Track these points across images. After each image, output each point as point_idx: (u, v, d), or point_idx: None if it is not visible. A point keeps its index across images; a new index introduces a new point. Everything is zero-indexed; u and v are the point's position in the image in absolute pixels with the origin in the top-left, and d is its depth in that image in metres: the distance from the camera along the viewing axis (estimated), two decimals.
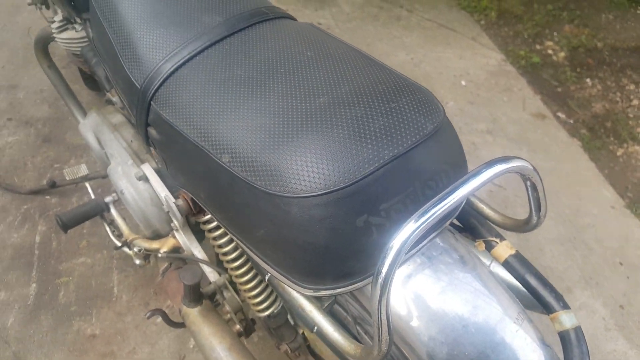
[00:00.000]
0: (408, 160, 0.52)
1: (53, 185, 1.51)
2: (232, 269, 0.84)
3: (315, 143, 0.52)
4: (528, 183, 0.52)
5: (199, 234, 1.06)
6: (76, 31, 1.17)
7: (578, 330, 0.57)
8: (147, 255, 1.18)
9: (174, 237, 1.11)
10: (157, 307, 1.34)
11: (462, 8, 3.24)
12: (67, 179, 1.23)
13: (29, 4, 1.77)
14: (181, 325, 1.12)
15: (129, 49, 0.73)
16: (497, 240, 0.64)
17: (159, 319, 1.29)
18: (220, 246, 0.82)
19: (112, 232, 1.23)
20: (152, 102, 0.69)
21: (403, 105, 0.55)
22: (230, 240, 0.82)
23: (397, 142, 0.52)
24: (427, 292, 0.55)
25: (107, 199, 1.21)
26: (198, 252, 1.06)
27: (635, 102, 2.69)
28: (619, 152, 2.32)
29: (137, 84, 0.71)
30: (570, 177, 2.16)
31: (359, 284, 0.55)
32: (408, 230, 0.43)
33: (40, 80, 1.99)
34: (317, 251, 0.52)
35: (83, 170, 1.26)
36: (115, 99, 1.24)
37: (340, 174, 0.50)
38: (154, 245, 1.13)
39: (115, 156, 1.12)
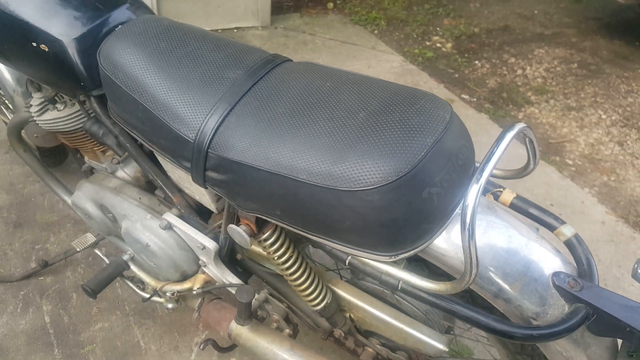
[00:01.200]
0: (442, 142, 0.71)
1: (45, 265, 1.53)
2: (290, 274, 0.97)
3: (376, 144, 0.70)
4: (526, 139, 0.74)
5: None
6: (58, 110, 1.24)
7: (577, 236, 0.80)
8: (179, 297, 1.27)
9: (203, 272, 1.22)
10: (185, 344, 1.42)
11: (355, 23, 3.57)
12: (78, 249, 1.28)
13: None
14: (231, 348, 1.23)
15: (171, 111, 0.86)
16: (501, 189, 0.85)
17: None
18: (279, 256, 0.95)
19: (137, 286, 1.31)
20: (209, 151, 0.82)
21: (423, 105, 0.75)
22: (287, 251, 0.96)
23: (432, 131, 0.71)
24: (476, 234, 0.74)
25: (125, 258, 1.29)
26: (232, 278, 1.18)
27: (519, 71, 3.15)
28: (520, 115, 2.72)
29: (189, 139, 0.84)
30: (488, 146, 2.50)
31: (429, 241, 0.73)
32: (475, 188, 0.63)
33: None
34: (398, 224, 0.70)
35: (90, 238, 1.32)
36: (105, 165, 1.32)
37: (403, 163, 0.68)
38: (185, 285, 1.23)
39: (129, 215, 1.21)
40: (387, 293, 1.06)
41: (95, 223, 1.33)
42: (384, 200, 0.68)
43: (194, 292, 1.20)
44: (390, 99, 0.77)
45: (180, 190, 1.15)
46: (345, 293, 1.05)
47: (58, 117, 1.23)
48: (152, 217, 1.18)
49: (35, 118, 1.27)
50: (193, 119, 0.84)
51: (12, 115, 1.81)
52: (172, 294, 1.24)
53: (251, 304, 1.07)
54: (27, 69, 1.07)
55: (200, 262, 1.19)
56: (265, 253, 1.09)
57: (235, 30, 3.33)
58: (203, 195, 1.07)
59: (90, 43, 0.98)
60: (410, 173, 0.68)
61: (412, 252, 0.73)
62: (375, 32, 3.49)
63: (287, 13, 3.60)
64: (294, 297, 1.15)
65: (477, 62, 3.24)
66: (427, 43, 3.41)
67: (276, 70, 0.90)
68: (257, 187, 0.79)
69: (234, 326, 1.14)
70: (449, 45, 3.40)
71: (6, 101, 1.65)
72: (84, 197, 1.31)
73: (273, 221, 0.83)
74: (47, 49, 0.98)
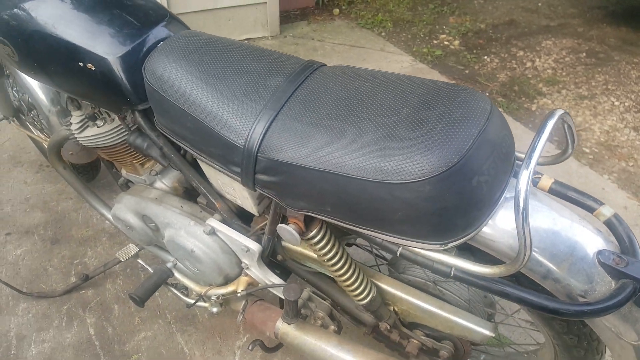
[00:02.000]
0: (486, 133, 0.75)
1: (86, 278, 1.58)
2: (337, 269, 1.01)
3: (423, 138, 0.73)
4: (565, 125, 0.78)
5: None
6: (98, 127, 1.29)
7: (617, 215, 0.83)
8: (224, 301, 1.31)
9: (246, 275, 1.26)
10: (228, 348, 1.46)
11: (362, 27, 3.62)
12: (122, 260, 1.33)
13: (0, 120, 1.83)
14: (277, 348, 1.27)
15: (220, 120, 0.90)
16: (540, 175, 0.89)
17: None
18: (326, 252, 0.99)
19: (181, 292, 1.35)
20: (259, 155, 0.87)
21: (464, 99, 0.79)
22: (333, 247, 1.00)
23: (476, 122, 0.75)
24: None
25: (169, 265, 1.33)
26: (274, 279, 1.22)
27: (528, 64, 3.18)
28: (533, 107, 2.75)
29: (238, 145, 0.88)
30: None
31: (479, 228, 0.77)
32: (526, 174, 0.66)
33: (19, 190, 2.02)
34: (449, 212, 0.73)
35: (133, 248, 1.36)
36: (144, 177, 1.37)
37: (452, 153, 0.71)
38: (230, 288, 1.27)
39: (172, 224, 1.25)
40: (429, 285, 1.10)
41: (137, 234, 1.37)
42: (435, 190, 0.72)
43: (239, 295, 1.24)
44: (430, 95, 0.81)
45: (222, 196, 1.19)
46: (389, 287, 1.08)
47: (98, 133, 1.28)
48: (195, 224, 1.22)
49: (76, 135, 1.32)
50: (241, 126, 0.89)
51: (44, 135, 1.87)
52: (217, 298, 1.28)
53: (298, 302, 1.11)
54: (72, 88, 1.12)
55: (242, 264, 1.23)
56: (308, 252, 1.13)
57: (246, 42, 3.39)
58: (246, 199, 1.11)
59: (134, 60, 1.03)
60: (459, 163, 0.71)
61: (463, 240, 0.77)
62: (383, 34, 3.53)
63: (295, 22, 3.65)
64: (336, 293, 1.19)
65: (486, 57, 3.27)
66: (435, 42, 3.45)
67: (314, 75, 0.95)
68: (308, 186, 0.83)
69: (281, 325, 1.17)
70: (456, 42, 3.44)
71: (42, 121, 1.70)
72: (125, 209, 1.36)
73: (323, 218, 0.87)
74: (93, 68, 1.03)
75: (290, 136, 0.85)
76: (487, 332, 1.00)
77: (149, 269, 1.37)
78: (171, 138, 1.04)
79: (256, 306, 1.27)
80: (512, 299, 0.78)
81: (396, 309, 1.11)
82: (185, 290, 1.37)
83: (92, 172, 1.93)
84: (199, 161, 1.12)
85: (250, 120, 0.88)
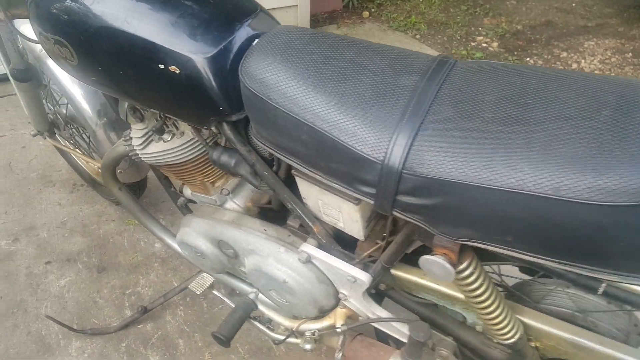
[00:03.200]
0: None
1: (145, 311, 1.41)
2: (485, 306, 0.85)
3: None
4: None
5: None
6: (165, 141, 1.13)
7: None
8: (320, 336, 1.13)
9: (343, 307, 1.09)
10: None
11: (394, 29, 3.47)
12: (198, 292, 1.17)
13: (34, 135, 1.67)
14: None
15: (348, 131, 0.73)
16: None
17: None
18: (477, 288, 0.82)
19: (266, 327, 1.18)
20: (404, 171, 0.70)
21: None
22: (485, 280, 0.83)
23: None
24: None
25: (251, 297, 1.17)
26: (381, 312, 1.05)
27: (574, 65, 3.03)
28: None
29: (375, 161, 0.71)
30: None
31: None
32: None
33: (54, 212, 1.85)
34: None
35: (207, 279, 1.20)
36: (214, 196, 1.20)
37: None
38: (326, 322, 1.10)
39: (258, 250, 1.09)
40: (577, 316, 0.93)
41: (209, 261, 1.21)
42: None
43: (339, 330, 1.07)
44: (625, 92, 0.65)
45: (318, 219, 1.03)
46: (534, 320, 0.91)
47: (167, 148, 1.11)
48: (286, 250, 1.06)
49: (137, 151, 1.16)
50: (377, 137, 0.72)
51: (82, 151, 1.71)
52: (313, 334, 1.11)
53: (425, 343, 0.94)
54: (147, 96, 0.96)
55: (340, 295, 1.07)
56: (426, 281, 0.97)
57: None
58: (355, 223, 0.94)
59: (226, 61, 0.87)
60: None
61: None
62: (417, 36, 3.38)
63: (324, 25, 3.51)
64: (455, 328, 1.02)
65: (528, 59, 3.12)
66: (473, 44, 3.30)
67: (455, 72, 0.78)
68: (482, 210, 0.66)
69: None
70: (494, 44, 3.29)
71: (84, 135, 1.55)
72: (195, 234, 1.19)
73: (493, 249, 0.70)
74: (178, 71, 0.86)
75: (447, 147, 0.68)
76: None
77: (227, 300, 1.20)
78: (276, 154, 0.87)
79: (358, 342, 1.10)
80: None
81: (538, 345, 0.94)
82: (269, 323, 1.20)
83: (139, 191, 1.76)
84: (298, 180, 0.96)
85: (388, 129, 0.72)
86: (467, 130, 0.68)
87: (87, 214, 1.84)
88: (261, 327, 1.18)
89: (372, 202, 0.77)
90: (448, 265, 0.75)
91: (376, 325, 1.09)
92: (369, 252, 0.99)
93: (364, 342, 1.09)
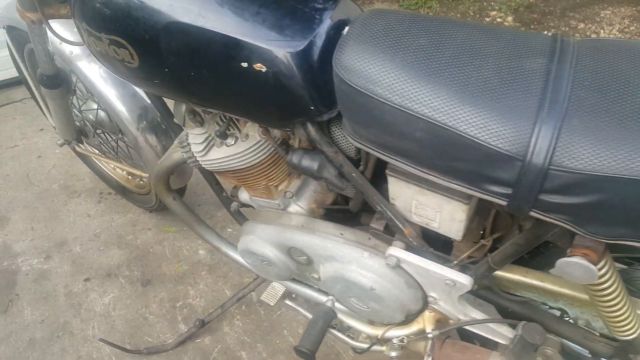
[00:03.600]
0: None
1: (202, 324, 1.33)
2: (614, 304, 0.78)
3: None
4: None
5: None
6: (228, 146, 1.03)
7: None
8: (408, 342, 1.06)
9: (432, 310, 1.02)
10: None
11: (406, 8, 3.36)
12: (272, 304, 1.09)
13: (61, 145, 1.57)
14: None
15: (478, 124, 0.65)
16: None
17: None
18: (609, 286, 0.76)
19: (347, 335, 1.11)
20: (551, 167, 0.62)
21: None
22: (617, 279, 0.76)
23: None
24: None
25: (329, 305, 1.09)
26: (476, 314, 0.99)
27: (593, 36, 2.95)
28: None
29: (516, 157, 0.63)
30: None
31: None
32: None
33: (84, 224, 1.76)
34: None
35: (279, 288, 1.12)
36: (278, 200, 1.11)
37: None
38: (414, 328, 1.04)
39: (338, 256, 1.01)
40: None
41: (276, 269, 1.13)
42: None
43: (430, 335, 1.00)
44: None
45: (407, 220, 0.95)
46: None
47: (232, 154, 1.02)
48: (370, 255, 0.98)
49: (198, 158, 1.07)
50: (516, 130, 0.64)
51: (112, 157, 1.61)
52: (401, 340, 1.04)
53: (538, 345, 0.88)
54: (224, 99, 0.86)
55: (429, 299, 1.00)
56: (529, 279, 0.91)
57: None
58: (456, 223, 0.87)
59: (317, 54, 0.77)
60: None
61: None
62: (430, 14, 3.28)
63: None
64: (554, 324, 0.96)
65: (545, 32, 3.03)
66: (487, 19, 3.21)
67: (582, 53, 0.70)
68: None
69: None
70: (509, 18, 3.20)
71: (123, 142, 1.44)
72: (260, 242, 1.11)
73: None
74: (264, 69, 0.77)
75: (601, 138, 0.60)
76: None
77: (300, 309, 1.13)
78: (378, 154, 0.79)
79: (449, 346, 1.03)
80: None
81: None
82: (348, 331, 1.13)
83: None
84: (392, 180, 0.88)
85: (527, 120, 0.63)
86: (620, 117, 0.61)
87: (120, 224, 1.74)
88: (341, 335, 1.10)
89: (504, 202, 0.69)
90: (592, 267, 0.68)
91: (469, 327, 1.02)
92: (469, 252, 0.91)
93: (456, 346, 1.02)
